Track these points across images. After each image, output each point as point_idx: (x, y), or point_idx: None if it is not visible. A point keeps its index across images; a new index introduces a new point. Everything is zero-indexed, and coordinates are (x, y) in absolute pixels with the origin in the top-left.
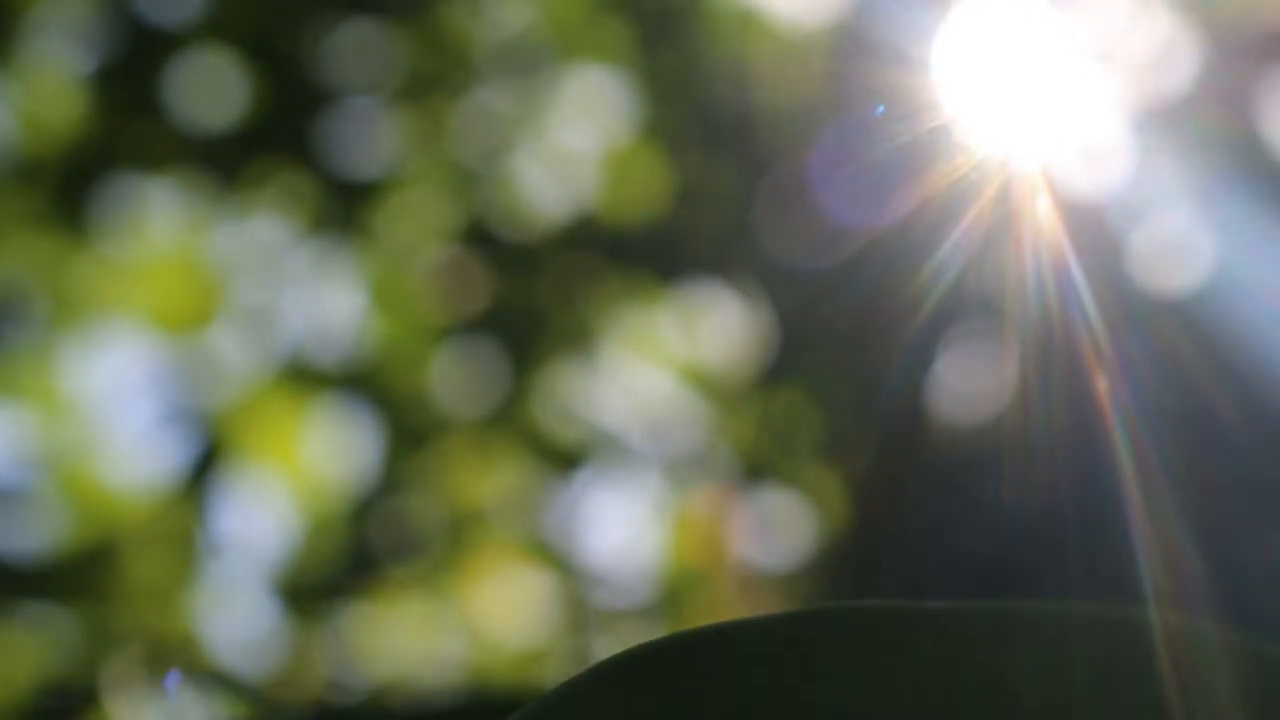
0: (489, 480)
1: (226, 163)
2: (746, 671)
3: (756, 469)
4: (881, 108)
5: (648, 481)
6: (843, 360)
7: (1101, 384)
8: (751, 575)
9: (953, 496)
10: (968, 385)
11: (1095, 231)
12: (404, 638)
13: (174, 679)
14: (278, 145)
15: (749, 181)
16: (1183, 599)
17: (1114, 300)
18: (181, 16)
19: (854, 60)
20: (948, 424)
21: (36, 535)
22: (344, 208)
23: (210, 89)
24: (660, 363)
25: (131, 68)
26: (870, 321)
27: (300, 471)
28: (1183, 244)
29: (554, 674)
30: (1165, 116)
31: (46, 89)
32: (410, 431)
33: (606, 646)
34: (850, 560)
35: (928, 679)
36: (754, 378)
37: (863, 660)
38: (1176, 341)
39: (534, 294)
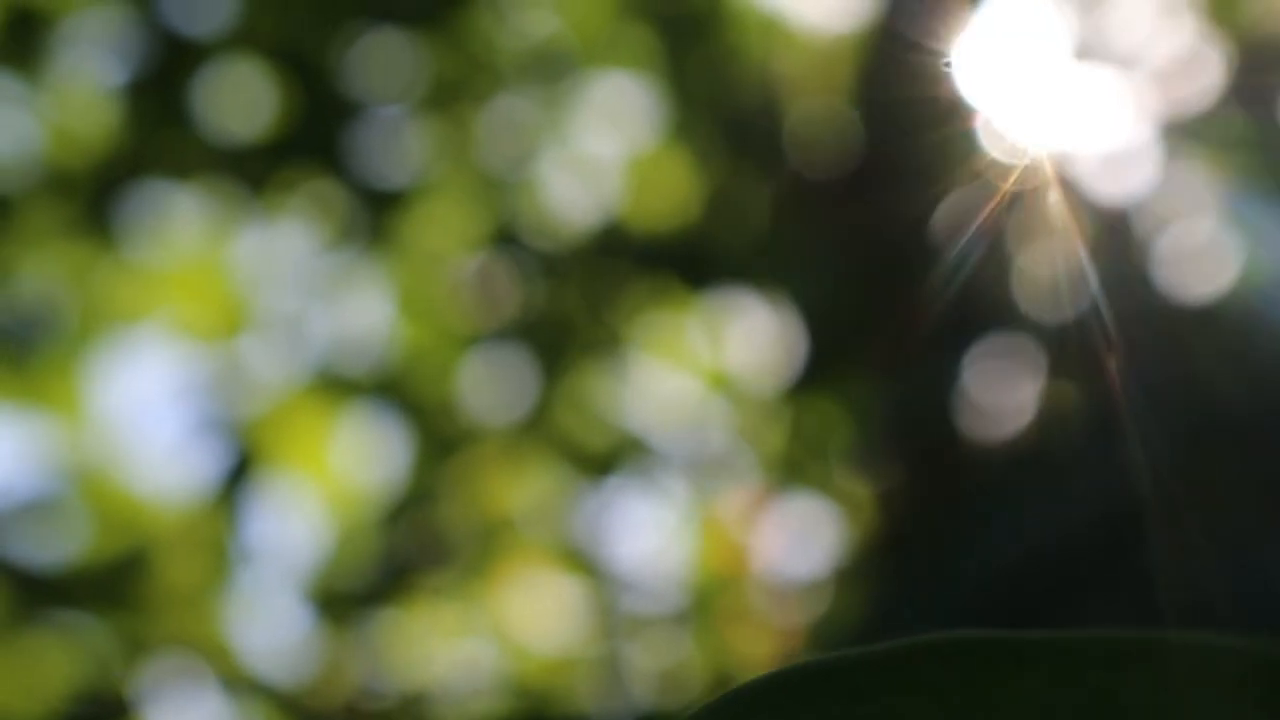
0: (518, 487)
1: (255, 172)
2: (878, 702)
3: (785, 476)
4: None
5: (676, 488)
6: (872, 367)
7: (1124, 391)
8: (779, 582)
9: (982, 504)
10: (995, 392)
11: (1120, 237)
12: (435, 644)
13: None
14: (306, 155)
15: (776, 187)
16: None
17: (1138, 306)
18: (210, 28)
19: (879, 63)
20: (976, 432)
21: (69, 544)
22: (372, 216)
23: (239, 99)
24: (689, 370)
25: (161, 79)
26: (898, 327)
27: (331, 479)
28: (1207, 250)
29: (584, 679)
30: (1190, 122)
31: (77, 100)
32: (440, 439)
33: (635, 652)
34: (879, 567)
35: (1051, 709)
36: (783, 385)
37: (978, 690)
38: (1200, 348)
39: (562, 301)
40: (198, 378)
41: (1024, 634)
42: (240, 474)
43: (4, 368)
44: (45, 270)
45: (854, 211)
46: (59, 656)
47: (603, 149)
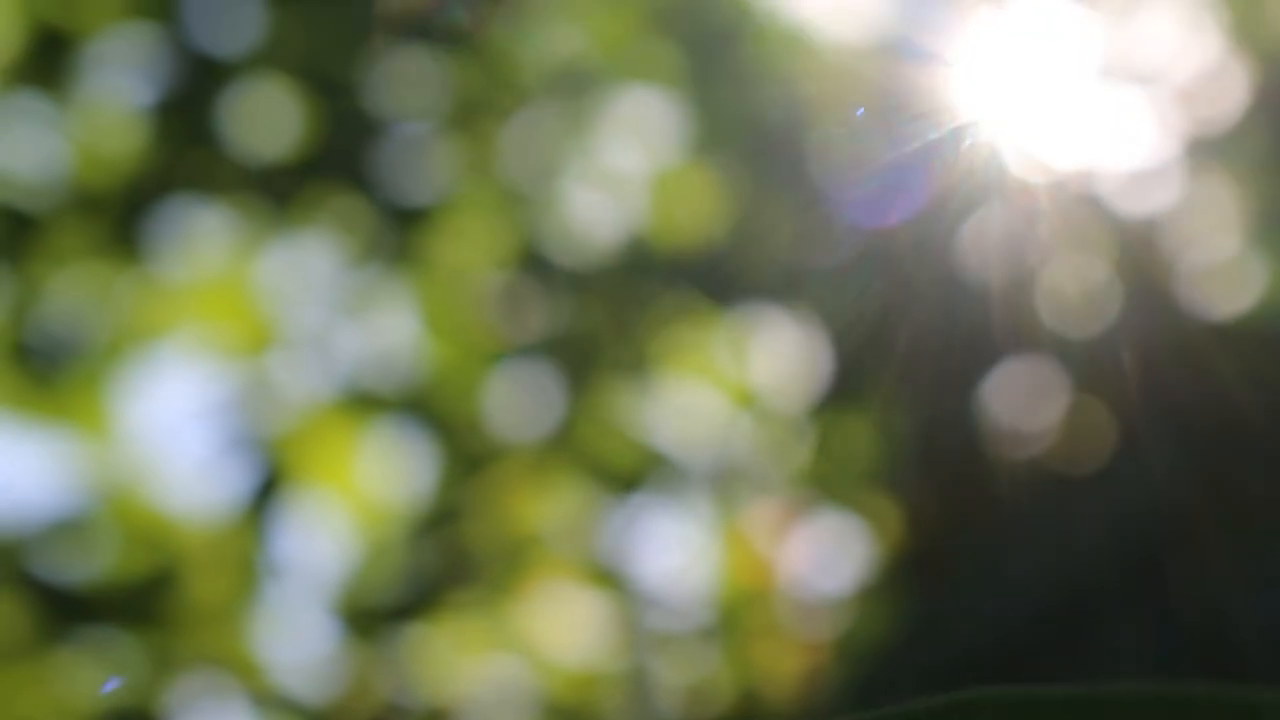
0: (545, 503)
1: (281, 190)
2: None
3: (811, 492)
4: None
5: (703, 505)
6: (897, 383)
7: (1148, 409)
8: (805, 598)
9: (1007, 522)
10: (1020, 410)
11: (1144, 255)
12: (462, 660)
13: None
14: (332, 172)
15: (801, 203)
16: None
17: (1162, 324)
18: (236, 47)
19: (902, 78)
20: (1001, 450)
21: (98, 562)
22: (398, 233)
23: (265, 118)
24: (715, 386)
25: (188, 98)
26: (924, 344)
27: (358, 496)
28: (1231, 267)
29: (610, 695)
30: (1214, 140)
31: (104, 120)
32: (466, 456)
33: (662, 668)
34: (905, 584)
35: None
36: (809, 402)
37: None
38: (1224, 365)
39: (588, 318)
40: (225, 395)
41: (1050, 691)
42: (268, 491)
43: (33, 386)
44: (74, 288)
45: (879, 229)
46: (89, 674)
47: (628, 165)
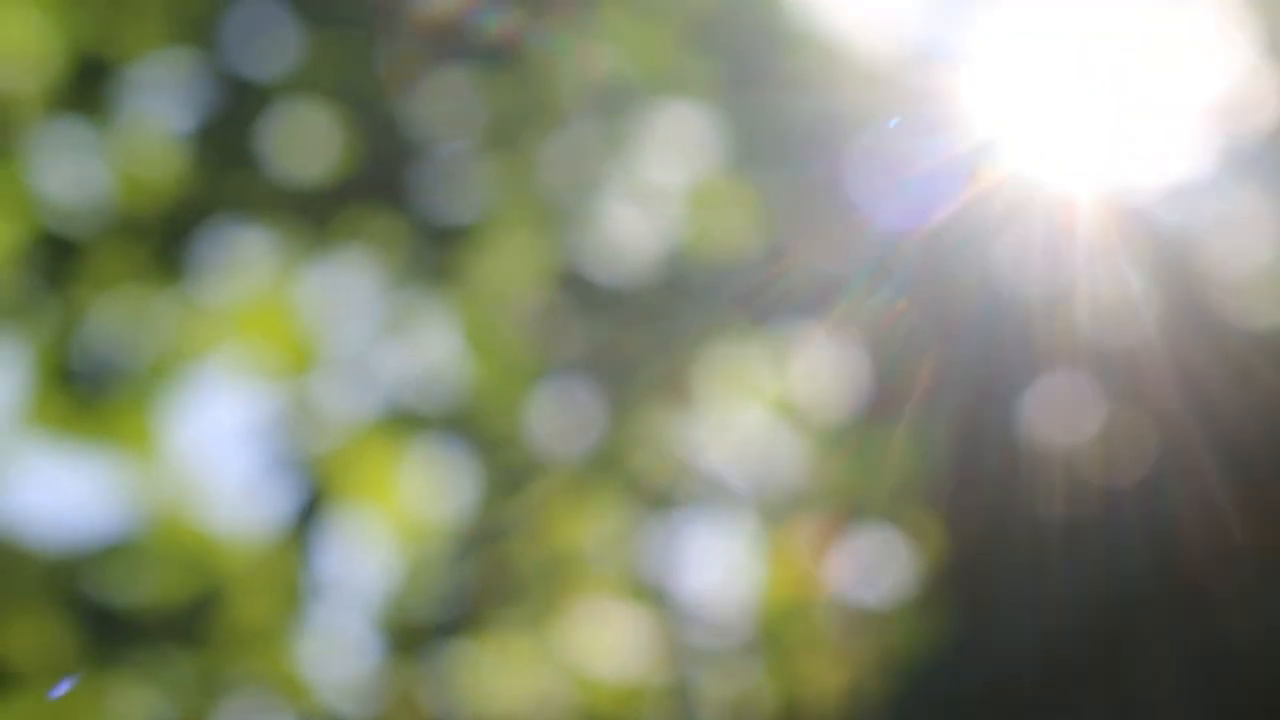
0: (587, 520)
1: (321, 211)
2: None
3: (852, 507)
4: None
5: (743, 520)
6: (936, 396)
7: (1188, 421)
8: (848, 612)
9: (1048, 534)
10: (1058, 422)
11: (1182, 266)
12: (505, 677)
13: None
14: (370, 193)
15: (839, 215)
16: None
17: (1201, 336)
18: (275, 71)
19: (939, 87)
20: (1040, 462)
21: (143, 583)
22: (437, 253)
23: (304, 140)
24: (755, 401)
25: (227, 122)
26: (962, 357)
27: (401, 514)
28: (1269, 278)
29: (653, 711)
30: (1251, 150)
31: (144, 144)
32: (508, 473)
33: (705, 683)
34: (947, 597)
35: None
36: (848, 415)
37: None
38: (1264, 376)
39: (627, 334)
40: (268, 415)
41: None
42: (311, 510)
43: (79, 409)
44: (117, 312)
45: (916, 242)
46: (135, 695)
47: (666, 180)
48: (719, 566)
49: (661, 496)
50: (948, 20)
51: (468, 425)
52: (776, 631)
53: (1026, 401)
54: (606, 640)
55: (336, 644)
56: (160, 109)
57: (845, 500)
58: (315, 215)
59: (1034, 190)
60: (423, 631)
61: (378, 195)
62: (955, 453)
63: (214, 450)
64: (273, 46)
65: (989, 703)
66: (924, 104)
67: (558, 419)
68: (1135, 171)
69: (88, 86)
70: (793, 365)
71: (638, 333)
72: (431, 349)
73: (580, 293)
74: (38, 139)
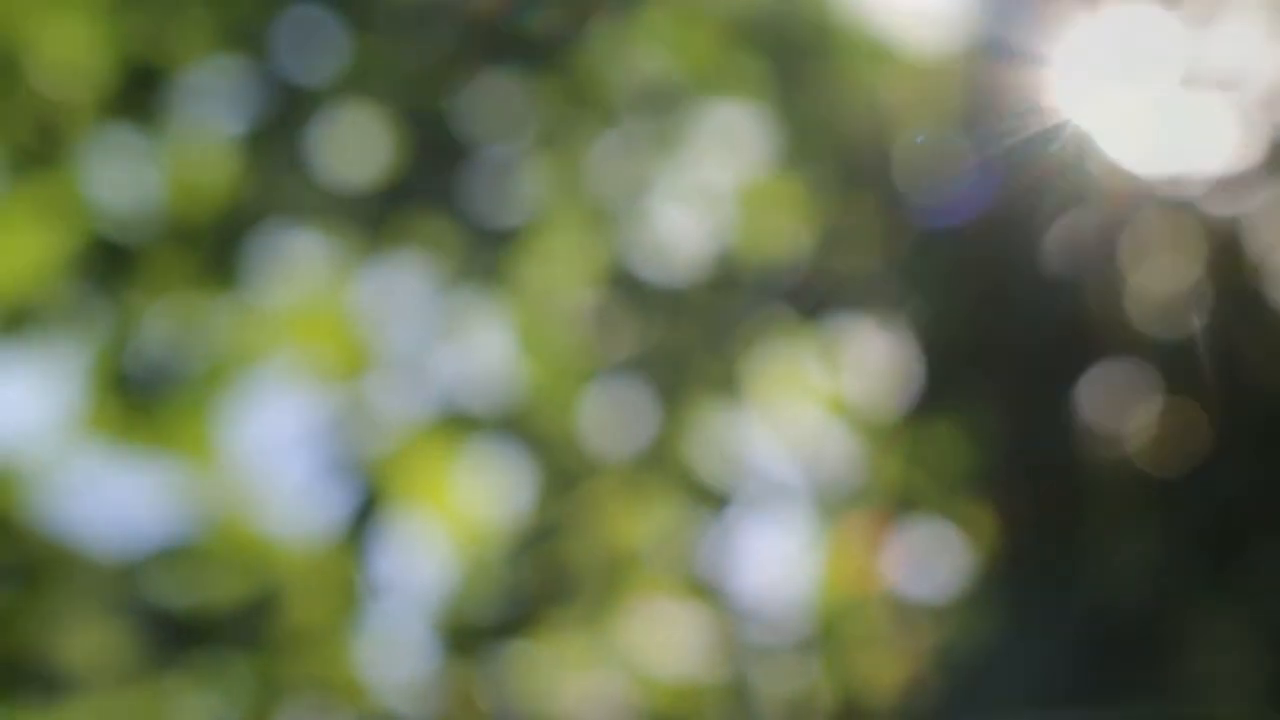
0: (642, 519)
1: (373, 215)
2: None
3: (906, 502)
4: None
5: (798, 516)
6: (989, 389)
7: (1238, 410)
8: (904, 607)
9: (1101, 526)
10: (1111, 414)
11: (1232, 257)
12: (563, 676)
13: None
14: (421, 196)
15: (889, 210)
16: None
17: (1251, 325)
18: (324, 75)
19: (988, 81)
20: (1093, 453)
21: (202, 586)
22: (489, 255)
23: (354, 144)
24: (807, 398)
25: (278, 126)
26: (1014, 349)
27: (456, 515)
28: None
29: (711, 708)
30: None
31: (196, 150)
32: (562, 473)
33: (762, 680)
34: (1003, 591)
35: None
36: (901, 411)
37: None
38: None
39: (679, 333)
40: (323, 419)
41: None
42: (367, 512)
43: (135, 414)
44: (171, 318)
45: (968, 235)
46: (195, 698)
47: (715, 179)
48: (774, 563)
49: (716, 494)
50: (995, 13)
51: (522, 426)
52: (833, 628)
53: (1079, 392)
54: (663, 639)
55: (394, 645)
56: (211, 115)
57: (899, 495)
58: (367, 219)
59: (1086, 182)
60: (480, 632)
61: (429, 198)
62: (1008, 445)
63: (270, 454)
64: (322, 51)
65: (1046, 691)
66: (974, 98)
67: (611, 418)
68: (1186, 163)
69: (139, 93)
70: (844, 361)
71: (689, 331)
72: (485, 350)
73: (632, 292)
74: (90, 146)
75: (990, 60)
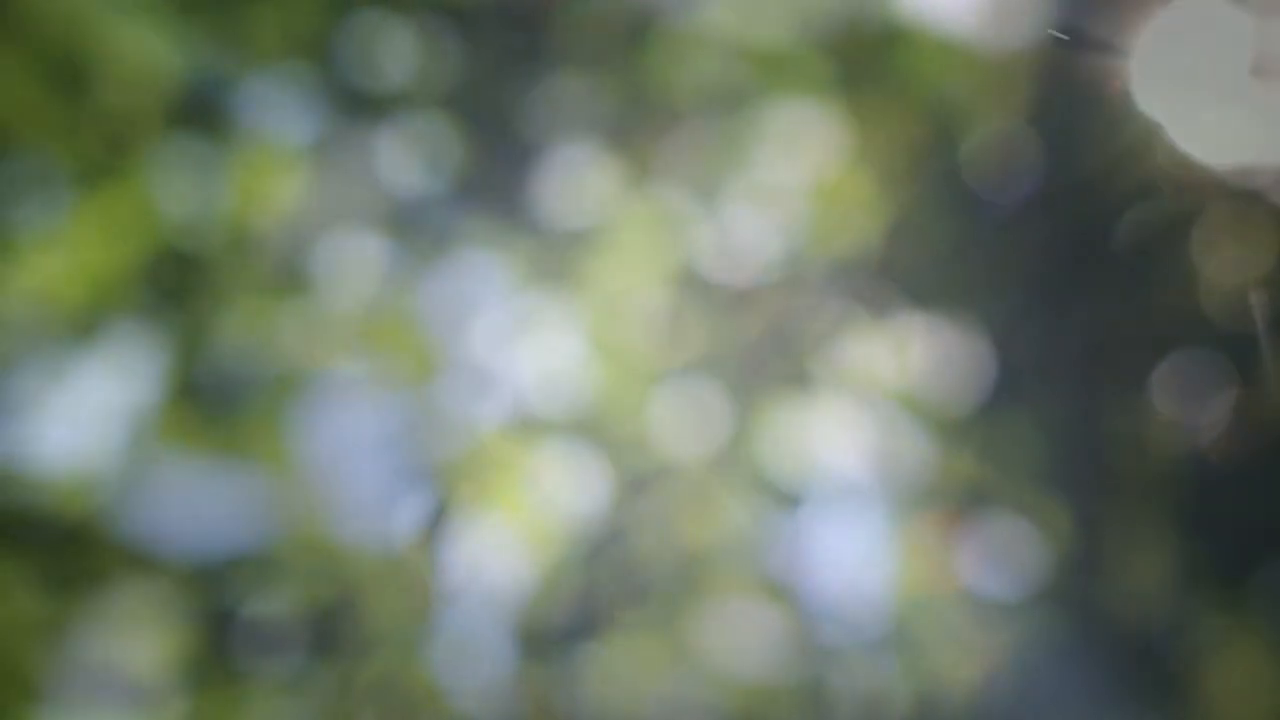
0: (716, 520)
1: (441, 219)
2: None
3: (980, 498)
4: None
5: (872, 515)
6: (1062, 382)
7: None
8: (979, 604)
9: (1175, 519)
10: (1184, 406)
11: None
12: (638, 678)
13: None
14: (490, 199)
15: (959, 205)
16: None
17: None
18: (391, 81)
19: (1058, 78)
20: (1167, 443)
21: (276, 593)
22: (557, 257)
23: (422, 149)
24: (879, 395)
25: (345, 132)
26: (1087, 341)
27: (529, 518)
28: None
29: (787, 708)
30: None
31: (264, 157)
32: (635, 475)
33: (838, 679)
34: (1077, 587)
35: None
36: (974, 406)
37: None
38: None
39: (750, 332)
40: (395, 424)
41: None
42: (441, 516)
43: (208, 423)
44: (241, 326)
45: (1038, 229)
46: (269, 704)
47: (784, 178)
48: (848, 562)
49: (789, 493)
50: (1068, 6)
51: (594, 428)
52: (907, 626)
53: (1153, 383)
54: (738, 639)
55: (468, 649)
56: (278, 122)
57: (972, 491)
58: (435, 223)
59: (1156, 173)
60: (554, 635)
61: (497, 201)
62: (1082, 437)
63: (343, 459)
64: (387, 56)
65: (1117, 691)
66: (1044, 90)
67: (683, 419)
68: (1257, 153)
69: (206, 102)
70: (915, 357)
71: (760, 330)
72: (555, 353)
73: (702, 292)
74: (158, 156)
75: (1061, 52)
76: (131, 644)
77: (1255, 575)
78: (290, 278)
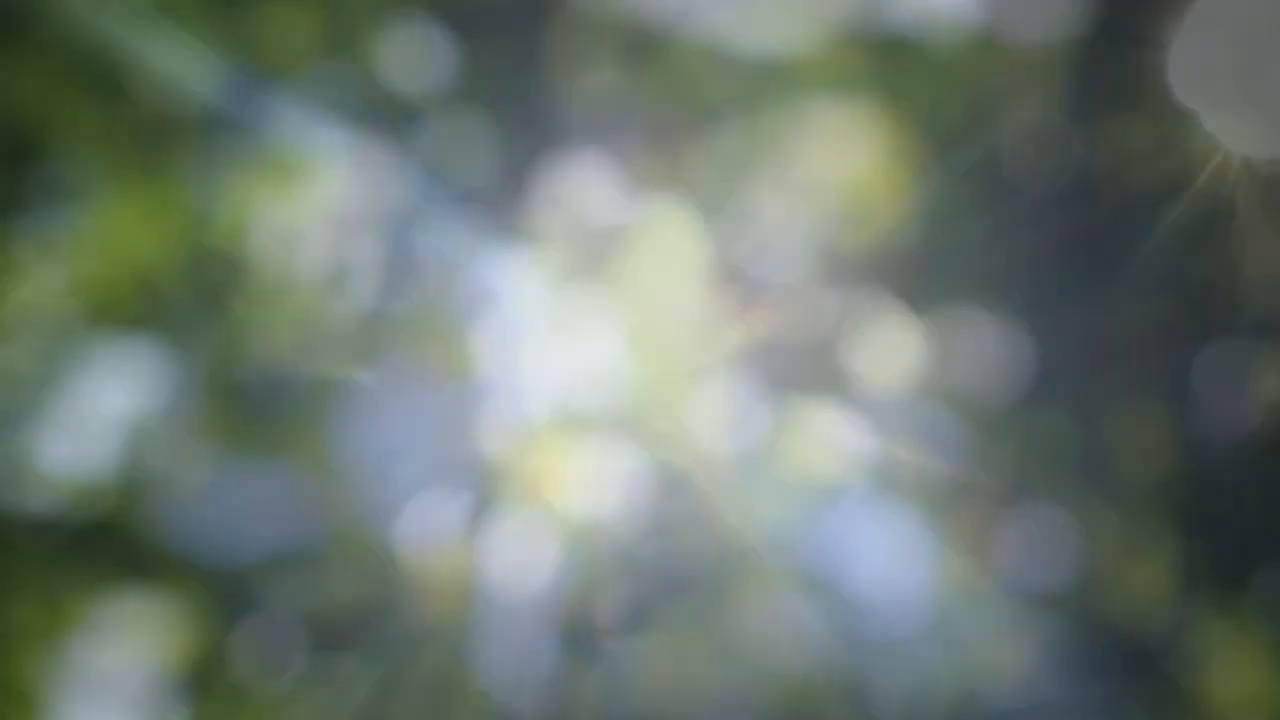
0: (756, 515)
1: (479, 217)
2: None
3: (1020, 490)
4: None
5: (912, 508)
6: (1106, 376)
7: None
8: (1020, 596)
9: (1220, 506)
10: (1228, 395)
11: None
12: (681, 674)
13: None
14: (528, 197)
15: (996, 197)
16: None
17: None
18: (426, 84)
19: (1096, 68)
20: (1211, 433)
21: (319, 593)
22: (596, 253)
23: (459, 145)
24: (919, 388)
25: (382, 131)
26: (1127, 333)
27: (570, 514)
28: None
29: (831, 702)
30: None
31: (294, 160)
32: (675, 470)
33: (881, 672)
34: (1118, 577)
35: None
36: (1013, 398)
37: None
38: None
39: (789, 326)
40: (436, 419)
41: None
42: (482, 515)
43: (250, 420)
44: (281, 323)
45: (1076, 220)
46: (315, 704)
47: (820, 171)
48: (889, 556)
49: (829, 487)
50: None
51: (634, 423)
52: (949, 620)
53: (1194, 374)
54: (780, 634)
55: (511, 646)
56: (316, 122)
57: (1012, 484)
58: (473, 220)
59: (1196, 161)
60: (597, 630)
61: (534, 196)
62: (1123, 428)
63: (382, 458)
64: (424, 59)
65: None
66: (1081, 81)
67: (722, 413)
68: None
69: (235, 106)
70: (954, 349)
71: (796, 325)
72: (595, 348)
73: (740, 286)
74: (189, 159)
75: (1099, 42)
76: (175, 644)
77: (1257, 577)
78: (326, 279)
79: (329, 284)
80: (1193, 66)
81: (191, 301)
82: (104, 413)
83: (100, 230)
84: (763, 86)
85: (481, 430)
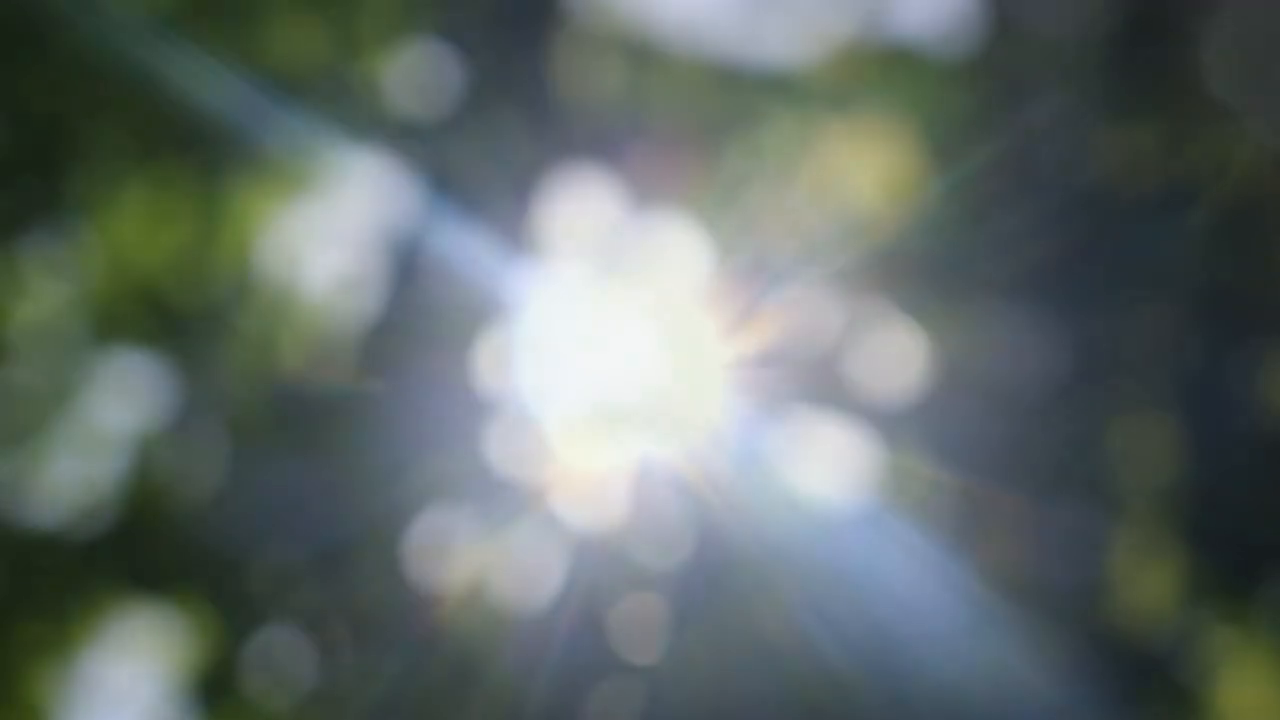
0: (788, 510)
1: (510, 217)
2: None
3: (1055, 486)
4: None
5: (946, 505)
6: (1151, 370)
7: None
8: (1060, 591)
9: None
10: (1245, 406)
11: None
12: (719, 671)
13: None
14: (557, 195)
15: (1032, 194)
16: None
17: None
18: (433, 98)
19: (1130, 65)
20: (1261, 426)
21: (362, 588)
22: (626, 249)
23: (490, 149)
24: (955, 384)
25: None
26: (1168, 325)
27: (605, 510)
28: None
29: (867, 701)
30: None
31: (303, 174)
32: (705, 465)
33: (917, 671)
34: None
35: None
36: (1050, 393)
37: None
38: None
39: (818, 321)
40: (470, 419)
41: None
42: (520, 508)
43: (287, 419)
44: (292, 339)
45: (1090, 224)
46: (359, 700)
47: (849, 168)
48: (921, 552)
49: (838, 496)
50: None
51: (644, 431)
52: (960, 627)
53: (1242, 365)
54: (814, 629)
55: (551, 644)
56: (323, 137)
57: (1047, 478)
58: (481, 231)
59: (1231, 156)
60: (635, 630)
61: (541, 207)
62: (1132, 437)
63: (421, 454)
64: (432, 71)
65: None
66: (1116, 79)
67: (750, 409)
68: None
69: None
70: (989, 345)
71: (804, 334)
72: (603, 358)
73: (769, 280)
74: (203, 169)
75: (1135, 40)
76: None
77: (1265, 586)
78: (335, 292)
79: (338, 296)
80: (1231, 62)
81: (200, 316)
82: (112, 428)
83: (108, 245)
84: (768, 97)
85: (492, 440)
